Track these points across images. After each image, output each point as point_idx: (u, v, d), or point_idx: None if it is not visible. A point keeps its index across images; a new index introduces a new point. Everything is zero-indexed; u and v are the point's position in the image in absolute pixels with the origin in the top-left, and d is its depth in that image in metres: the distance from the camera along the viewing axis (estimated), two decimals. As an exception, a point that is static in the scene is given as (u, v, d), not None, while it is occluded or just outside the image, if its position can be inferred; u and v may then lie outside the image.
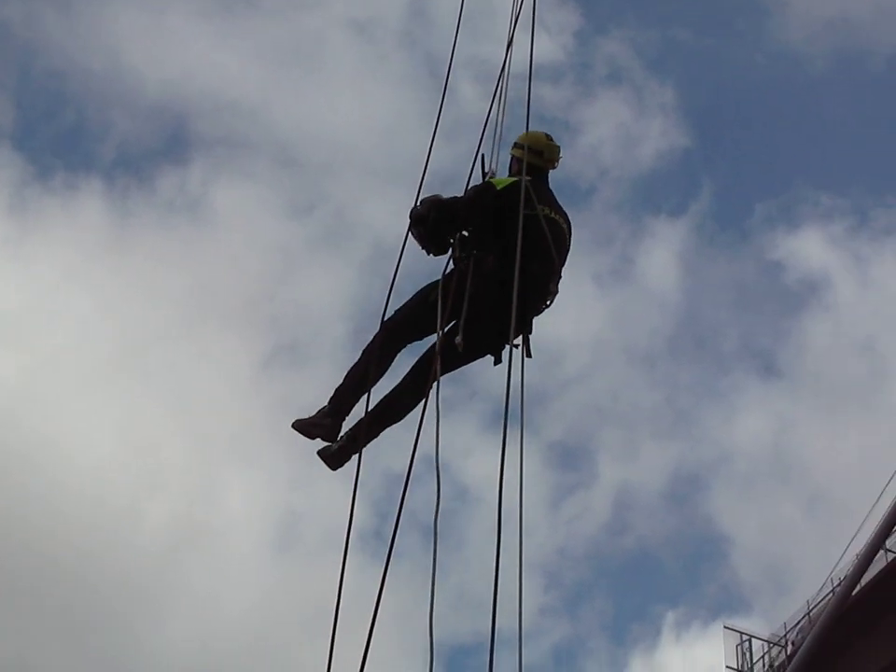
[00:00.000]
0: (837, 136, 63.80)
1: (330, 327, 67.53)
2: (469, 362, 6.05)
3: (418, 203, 6.19)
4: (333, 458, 6.07)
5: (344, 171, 65.94)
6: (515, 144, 6.51)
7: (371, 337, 6.13)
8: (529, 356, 5.88)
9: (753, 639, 22.73)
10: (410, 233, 6.17)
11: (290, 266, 65.21)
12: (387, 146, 64.11)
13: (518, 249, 5.33)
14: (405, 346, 6.17)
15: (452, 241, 6.16)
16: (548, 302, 6.11)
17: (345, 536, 4.93)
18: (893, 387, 31.79)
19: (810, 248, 65.43)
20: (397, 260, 6.00)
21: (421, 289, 6.24)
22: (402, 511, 4.75)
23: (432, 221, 6.07)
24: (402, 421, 5.92)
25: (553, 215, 6.11)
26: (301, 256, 64.53)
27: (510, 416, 4.82)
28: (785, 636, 22.13)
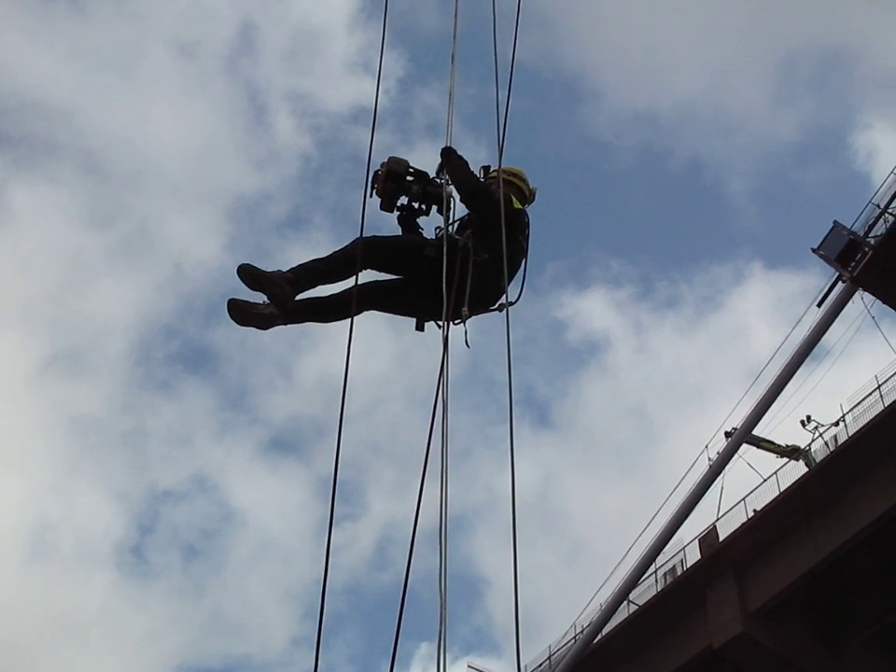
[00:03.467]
0: (633, 211, 68.98)
1: (114, 339, 66.18)
2: (401, 314, 6.55)
3: (389, 161, 6.58)
4: (255, 318, 6.16)
5: (151, 186, 64.91)
6: (513, 173, 7.05)
7: (345, 244, 6.32)
8: (468, 345, 6.11)
9: (494, 678, 23.12)
10: (374, 183, 6.51)
11: (82, 274, 63.65)
12: (197, 167, 63.73)
13: (505, 263, 6.05)
14: (366, 269, 6.33)
15: (399, 205, 6.64)
16: (496, 309, 6.54)
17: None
18: (656, 452, 35.99)
19: (594, 310, 69.19)
20: (367, 168, 6.27)
21: (410, 237, 6.66)
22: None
23: (402, 181, 6.53)
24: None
25: (525, 247, 6.83)
26: (94, 265, 63.27)
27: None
28: (524, 677, 25.49)
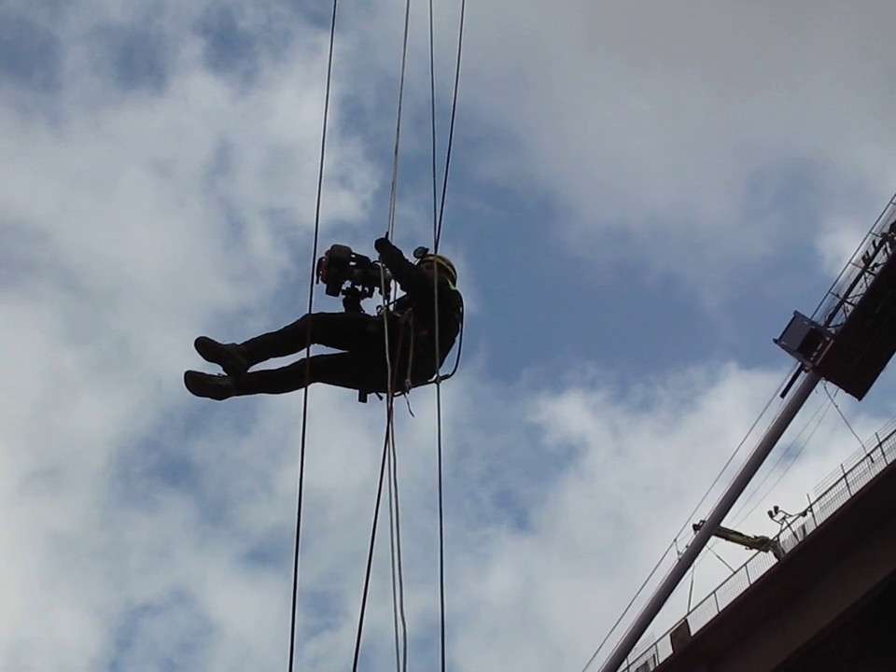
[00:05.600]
0: (608, 321, 69.80)
1: (92, 455, 65.80)
2: (347, 386, 6.87)
3: (332, 248, 6.96)
4: (209, 389, 6.38)
5: (130, 302, 65.31)
6: (445, 260, 7.52)
7: (296, 319, 6.67)
8: (412, 414, 6.41)
9: None
10: (319, 269, 6.86)
11: (61, 391, 63.50)
12: (176, 283, 64.24)
13: (437, 340, 6.57)
14: (315, 343, 6.63)
15: (344, 288, 7.01)
16: (434, 381, 6.81)
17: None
18: (636, 553, 35.80)
19: (571, 413, 69.50)
20: (313, 253, 6.54)
21: (355, 314, 7.01)
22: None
23: (344, 266, 6.91)
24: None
25: (460, 324, 7.22)
26: (73, 382, 63.15)
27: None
28: None
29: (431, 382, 6.82)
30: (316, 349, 6.78)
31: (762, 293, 68.33)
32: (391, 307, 6.98)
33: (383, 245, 6.96)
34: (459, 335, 7.16)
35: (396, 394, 6.25)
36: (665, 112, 63.12)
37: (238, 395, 6.57)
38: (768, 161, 66.67)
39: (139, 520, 63.67)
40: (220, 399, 6.46)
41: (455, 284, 7.54)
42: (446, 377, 6.82)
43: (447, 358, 6.99)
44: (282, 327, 6.72)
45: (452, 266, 7.64)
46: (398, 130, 7.50)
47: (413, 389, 6.54)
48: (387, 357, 6.15)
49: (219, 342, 6.43)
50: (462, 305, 7.30)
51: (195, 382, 6.33)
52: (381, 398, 6.51)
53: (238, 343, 6.50)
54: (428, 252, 7.32)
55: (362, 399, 6.80)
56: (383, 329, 6.35)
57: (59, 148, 65.26)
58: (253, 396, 6.78)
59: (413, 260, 7.28)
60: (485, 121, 64.28)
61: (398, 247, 7.03)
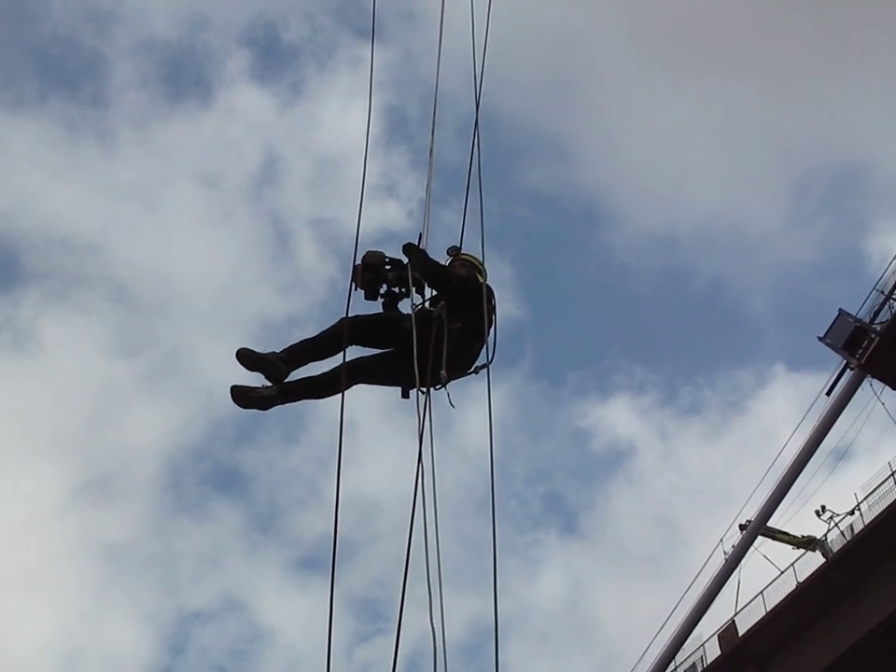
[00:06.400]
0: (655, 327, 69.48)
1: (144, 465, 66.47)
2: (387, 384, 7.01)
3: (365, 255, 7.15)
4: (255, 400, 6.64)
5: (179, 314, 65.83)
6: (473, 257, 7.76)
7: (333, 324, 6.89)
8: (453, 406, 6.74)
9: None
10: (355, 276, 7.08)
11: (112, 403, 64.11)
12: (224, 294, 64.75)
13: (486, 331, 6.97)
14: (352, 345, 6.86)
15: (382, 292, 7.21)
16: (473, 371, 7.08)
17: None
18: (686, 557, 35.66)
19: (619, 417, 69.20)
20: (353, 259, 6.91)
21: (389, 314, 7.20)
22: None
23: (378, 271, 7.12)
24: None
25: (493, 316, 7.36)
26: (124, 394, 63.81)
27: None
28: None
29: (470, 373, 7.04)
30: (356, 351, 6.97)
31: (810, 297, 67.65)
32: (426, 304, 7.22)
33: (409, 248, 7.22)
34: (493, 326, 7.29)
35: (437, 388, 6.56)
36: (710, 118, 62.73)
37: (283, 403, 6.76)
38: (814, 166, 66.17)
39: (190, 529, 64.32)
40: (265, 409, 6.68)
41: (485, 279, 7.70)
42: (485, 366, 6.98)
43: (483, 350, 7.13)
44: (319, 332, 6.92)
45: (481, 263, 7.83)
46: (432, 132, 7.86)
47: (453, 382, 6.76)
48: (414, 351, 6.37)
49: (259, 351, 6.66)
50: (494, 298, 7.46)
51: (240, 395, 6.59)
52: (423, 392, 6.62)
53: (278, 352, 6.72)
54: (461, 252, 7.59)
55: (404, 395, 6.92)
56: (410, 322, 6.57)
57: (107, 163, 66.16)
58: (299, 404, 6.92)
59: (446, 259, 7.54)
60: (529, 130, 64.35)
61: (425, 250, 7.28)
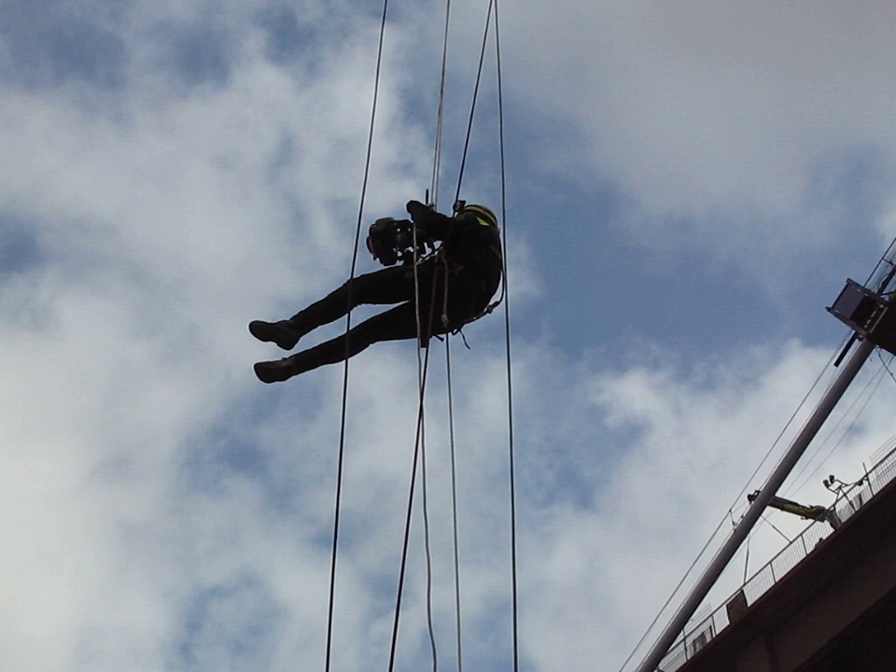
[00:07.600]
0: (670, 306, 69.48)
1: (161, 443, 66.56)
2: (402, 338, 7.08)
3: (371, 225, 7.34)
4: (275, 373, 6.83)
5: (196, 294, 65.75)
6: (482, 207, 7.85)
7: (340, 285, 6.96)
8: (468, 347, 6.97)
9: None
10: (368, 244, 7.28)
11: (130, 383, 64.23)
12: (241, 274, 64.68)
13: (503, 273, 7.22)
14: (360, 304, 6.98)
15: (399, 254, 7.34)
16: (486, 311, 7.26)
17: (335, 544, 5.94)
18: (700, 532, 35.82)
19: (634, 393, 69.29)
20: (357, 225, 6.83)
21: (394, 266, 7.31)
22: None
23: (386, 236, 7.27)
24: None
25: (500, 256, 7.45)
26: (142, 373, 63.92)
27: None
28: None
29: (484, 313, 7.22)
30: (367, 310, 7.10)
31: (825, 280, 67.47)
32: (436, 255, 7.26)
33: (411, 204, 7.46)
34: (501, 268, 7.39)
35: (454, 332, 6.89)
36: (726, 101, 62.34)
37: (301, 371, 6.93)
38: (829, 149, 65.79)
39: (207, 506, 64.59)
40: (285, 380, 6.88)
41: (493, 225, 7.77)
42: (496, 304, 7.20)
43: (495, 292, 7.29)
44: (326, 294, 7.01)
45: (488, 210, 7.91)
46: (441, 92, 8.05)
47: (467, 325, 7.06)
48: (416, 297, 6.45)
49: (269, 321, 6.81)
50: (498, 241, 7.54)
51: (263, 371, 6.81)
52: (441, 339, 6.82)
53: (287, 319, 6.86)
54: (466, 203, 7.74)
55: (424, 344, 6.82)
56: (419, 274, 6.65)
57: (124, 144, 65.88)
58: (317, 372, 7.04)
59: (452, 213, 7.62)
60: (545, 113, 64.14)
61: (429, 206, 7.50)
